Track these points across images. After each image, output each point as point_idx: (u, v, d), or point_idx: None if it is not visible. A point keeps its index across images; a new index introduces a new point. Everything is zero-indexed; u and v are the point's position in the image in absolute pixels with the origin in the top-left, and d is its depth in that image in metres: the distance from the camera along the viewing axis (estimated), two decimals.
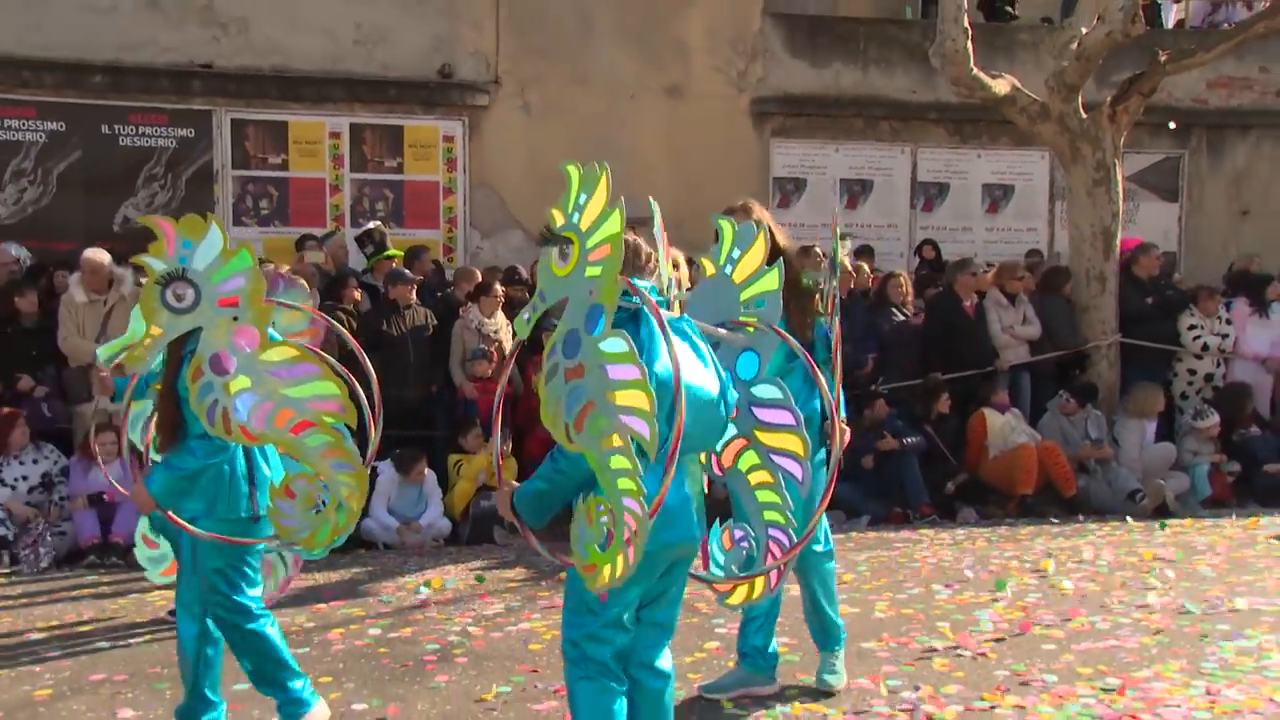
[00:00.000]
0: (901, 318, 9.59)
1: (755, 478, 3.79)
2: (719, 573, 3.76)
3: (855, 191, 12.31)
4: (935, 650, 5.30)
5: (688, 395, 3.05)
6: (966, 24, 9.72)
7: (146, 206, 10.59)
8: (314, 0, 10.81)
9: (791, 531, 3.79)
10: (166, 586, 6.74)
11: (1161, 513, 8.85)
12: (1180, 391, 10.03)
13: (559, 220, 3.09)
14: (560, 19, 11.25)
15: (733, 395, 3.51)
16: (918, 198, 12.47)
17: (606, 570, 3.01)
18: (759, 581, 3.82)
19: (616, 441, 2.94)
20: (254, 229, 10.81)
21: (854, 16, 12.59)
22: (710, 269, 3.99)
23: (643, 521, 2.94)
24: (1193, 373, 10.00)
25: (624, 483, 2.94)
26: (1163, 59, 10.14)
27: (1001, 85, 10.00)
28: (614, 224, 3.01)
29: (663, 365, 3.11)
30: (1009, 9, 12.96)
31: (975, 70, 9.80)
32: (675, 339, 3.10)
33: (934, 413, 9.12)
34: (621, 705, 3.31)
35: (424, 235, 11.02)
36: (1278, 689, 4.70)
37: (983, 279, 9.90)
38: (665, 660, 3.48)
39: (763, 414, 3.76)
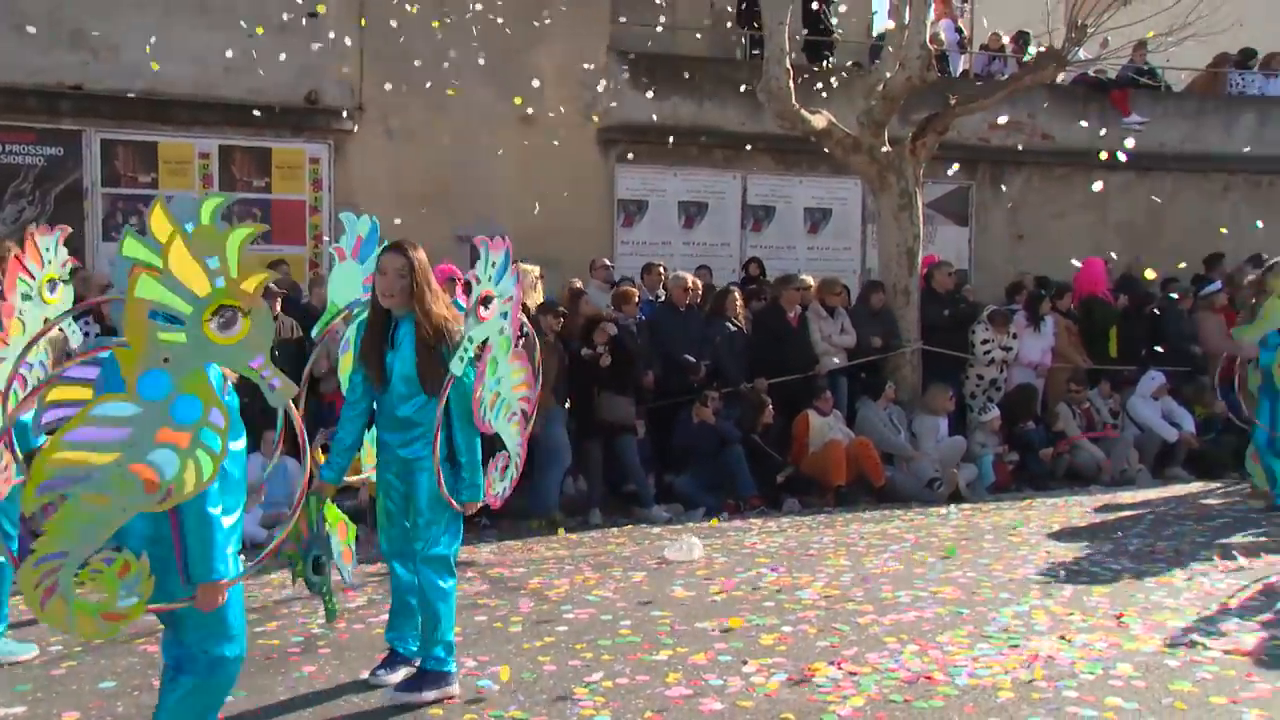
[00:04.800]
0: (734, 329, 9.74)
1: None
2: None
3: (692, 213, 12.47)
4: (762, 627, 5.40)
5: None
6: (789, 65, 9.97)
7: (14, 221, 10.02)
8: (185, 28, 10.41)
9: None
10: None
11: (955, 498, 9.24)
12: (969, 392, 10.46)
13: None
14: (420, 52, 11.07)
15: None
16: (747, 219, 12.70)
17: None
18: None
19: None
20: None
21: (690, 55, 12.76)
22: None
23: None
24: (980, 377, 10.44)
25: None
26: (953, 103, 10.61)
27: (819, 120, 10.29)
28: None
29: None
30: (826, 53, 13.35)
31: (797, 106, 10.07)
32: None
33: (759, 425, 9.23)
34: None
35: (291, 251, 10.71)
36: (1042, 647, 4.96)
37: (806, 293, 10.12)
38: None
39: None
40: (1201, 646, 4.99)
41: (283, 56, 10.60)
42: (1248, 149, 13.93)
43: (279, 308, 8.62)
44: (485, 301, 4.39)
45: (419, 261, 4.37)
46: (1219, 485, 9.83)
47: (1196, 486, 9.78)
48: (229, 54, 10.48)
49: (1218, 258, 12.63)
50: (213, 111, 10.51)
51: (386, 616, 5.64)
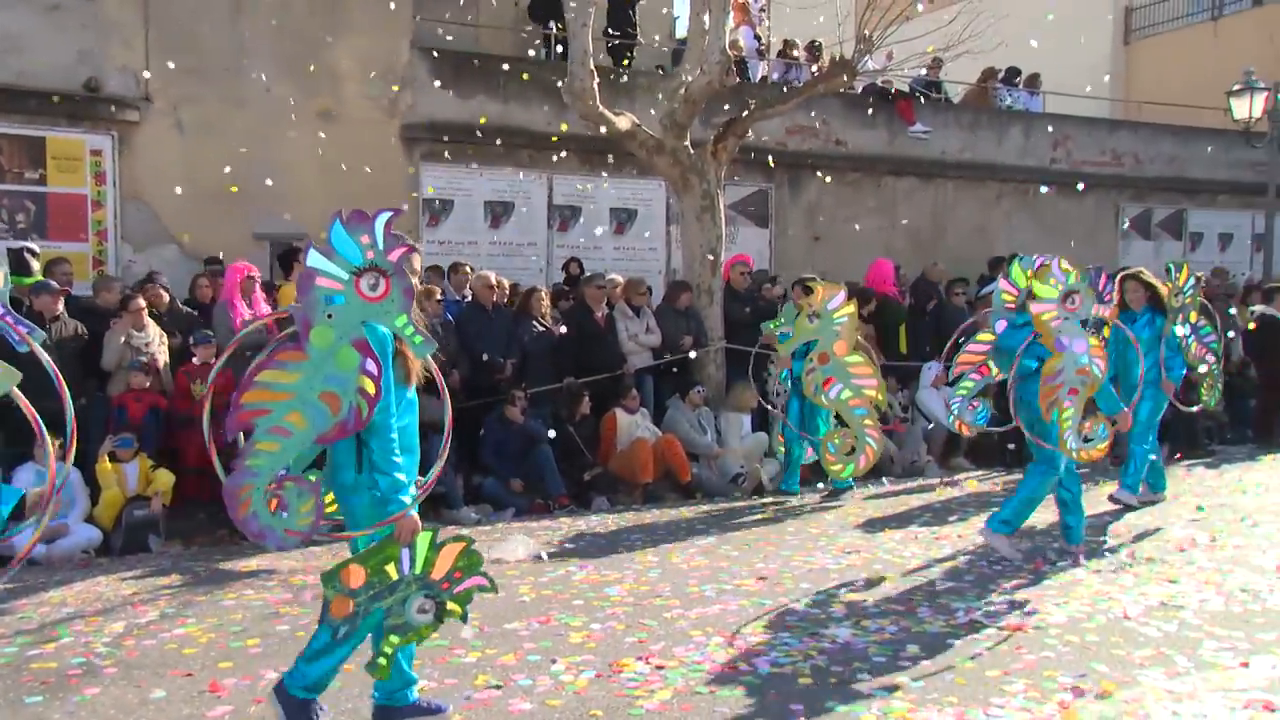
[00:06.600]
0: (541, 328, 9.74)
1: None
2: None
3: (498, 213, 12.39)
4: (571, 625, 5.43)
5: None
6: (592, 67, 10.05)
7: None
8: None
9: None
10: None
11: (758, 492, 9.54)
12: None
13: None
14: (212, 41, 10.58)
15: None
16: (554, 219, 12.73)
17: None
18: None
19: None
20: None
21: (495, 54, 12.68)
22: None
23: None
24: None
25: None
26: (752, 107, 10.94)
27: (623, 121, 10.41)
28: None
29: None
30: (629, 55, 13.51)
31: (600, 108, 10.15)
32: None
33: (577, 414, 9.33)
34: None
35: (71, 248, 10.01)
36: (840, 633, 5.20)
37: (612, 291, 10.23)
38: None
39: None
40: (979, 625, 5.34)
41: (57, 39, 9.92)
42: (1015, 159, 15.01)
43: (60, 307, 8.10)
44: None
45: None
46: (995, 473, 10.51)
47: (977, 475, 10.42)
48: None
49: (1000, 260, 13.51)
50: None
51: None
